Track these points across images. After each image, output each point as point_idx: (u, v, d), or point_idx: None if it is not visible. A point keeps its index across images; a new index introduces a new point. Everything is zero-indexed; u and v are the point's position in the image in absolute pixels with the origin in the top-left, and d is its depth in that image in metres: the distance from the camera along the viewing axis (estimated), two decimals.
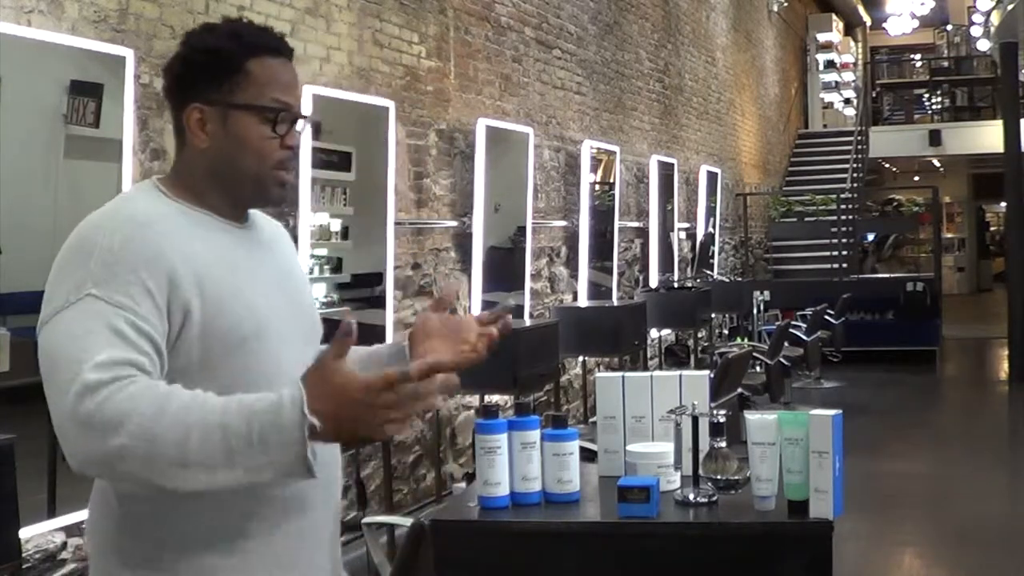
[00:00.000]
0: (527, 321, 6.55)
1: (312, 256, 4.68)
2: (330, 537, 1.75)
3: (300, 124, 1.71)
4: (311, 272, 4.68)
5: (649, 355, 9.14)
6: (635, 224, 9.36)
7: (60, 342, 1.48)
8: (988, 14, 11.95)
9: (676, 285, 9.88)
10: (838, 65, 19.91)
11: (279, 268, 1.77)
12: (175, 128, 1.72)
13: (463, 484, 5.24)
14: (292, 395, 1.39)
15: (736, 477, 2.23)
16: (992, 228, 26.41)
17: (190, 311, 1.56)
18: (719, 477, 2.24)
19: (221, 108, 1.66)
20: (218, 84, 1.65)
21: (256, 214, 1.79)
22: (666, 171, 9.99)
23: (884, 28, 22.65)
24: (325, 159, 4.77)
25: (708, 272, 11.27)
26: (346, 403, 1.39)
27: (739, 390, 5.49)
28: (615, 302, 8.26)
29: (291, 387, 1.40)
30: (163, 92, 1.74)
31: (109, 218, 1.60)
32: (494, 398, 5.62)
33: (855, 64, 21.02)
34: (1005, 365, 11.47)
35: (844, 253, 13.76)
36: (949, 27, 23.28)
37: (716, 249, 11.90)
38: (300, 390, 1.39)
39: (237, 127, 1.66)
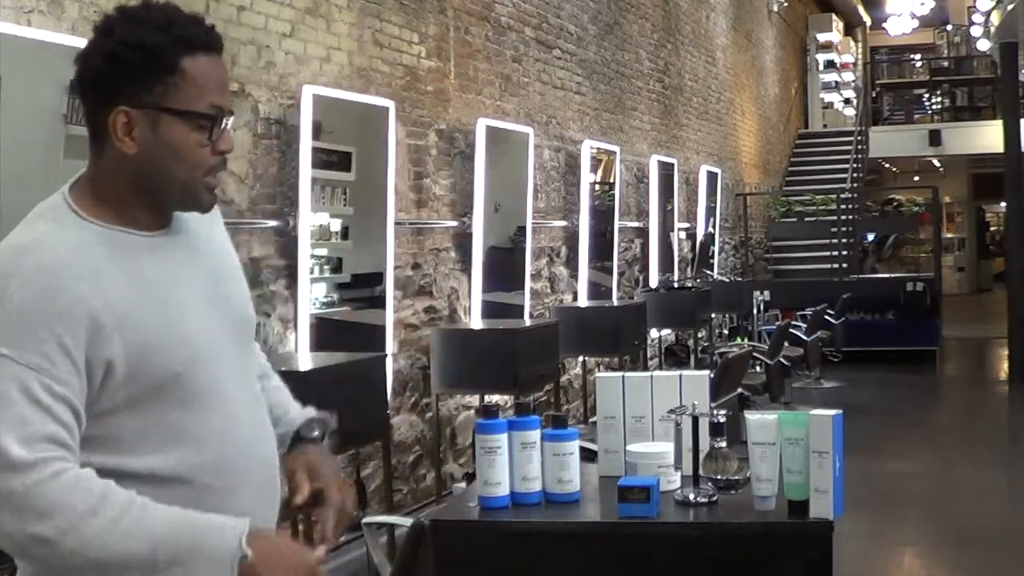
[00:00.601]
0: (527, 321, 6.55)
1: (312, 256, 4.67)
2: None
3: (229, 122, 1.59)
4: (311, 272, 4.68)
5: (649, 355, 9.13)
6: (635, 224, 9.36)
7: None
8: (988, 14, 11.95)
9: (676, 285, 9.88)
10: (838, 65, 19.90)
11: (208, 273, 1.65)
12: (91, 128, 1.55)
13: (463, 484, 5.24)
14: (237, 524, 1.48)
15: (736, 477, 2.23)
16: (992, 228, 26.39)
17: (112, 361, 1.48)
18: (719, 477, 2.24)
19: (152, 112, 1.51)
20: (149, 86, 1.51)
21: None
22: (666, 171, 9.99)
23: (884, 28, 22.64)
24: (325, 159, 4.77)
25: (708, 272, 11.27)
26: (282, 560, 1.51)
27: (739, 390, 5.49)
28: (615, 302, 8.26)
29: (240, 519, 1.49)
30: (76, 83, 1.55)
31: (17, 264, 1.46)
32: (494, 398, 5.62)
33: (855, 64, 21.01)
34: (1005, 365, 11.45)
35: (844, 253, 13.75)
36: (949, 27, 23.27)
37: (716, 249, 11.90)
38: (248, 523, 1.48)
39: (169, 134, 1.52)
